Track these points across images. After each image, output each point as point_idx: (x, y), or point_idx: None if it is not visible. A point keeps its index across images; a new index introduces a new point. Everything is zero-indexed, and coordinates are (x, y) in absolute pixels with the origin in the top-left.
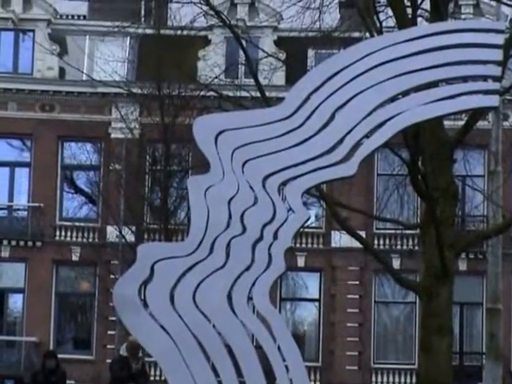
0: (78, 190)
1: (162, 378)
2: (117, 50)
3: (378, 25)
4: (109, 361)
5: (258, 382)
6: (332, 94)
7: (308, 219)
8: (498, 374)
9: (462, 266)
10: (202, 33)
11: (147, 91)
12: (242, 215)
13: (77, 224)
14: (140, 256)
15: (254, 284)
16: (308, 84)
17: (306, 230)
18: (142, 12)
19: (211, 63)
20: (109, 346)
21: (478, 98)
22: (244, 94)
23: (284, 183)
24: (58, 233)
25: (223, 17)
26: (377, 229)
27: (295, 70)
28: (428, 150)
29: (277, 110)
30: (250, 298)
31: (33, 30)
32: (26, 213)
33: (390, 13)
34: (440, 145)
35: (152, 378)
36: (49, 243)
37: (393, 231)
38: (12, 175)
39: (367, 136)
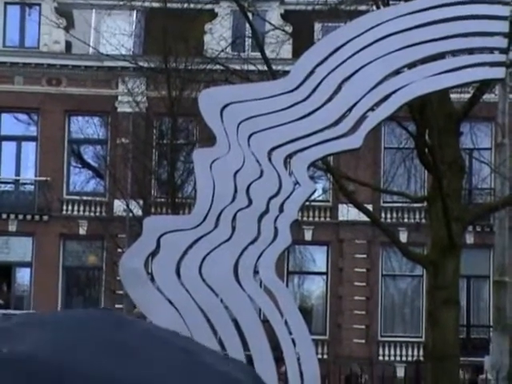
0: (85, 164)
1: None
2: (123, 23)
3: None
4: None
5: (265, 356)
6: (337, 66)
7: (314, 192)
8: (505, 346)
9: (469, 238)
10: (209, 6)
11: (154, 65)
12: (248, 188)
13: (84, 198)
14: (146, 229)
15: (260, 257)
16: (314, 57)
17: (313, 203)
18: None
19: (217, 36)
20: None
21: (485, 70)
22: (251, 67)
23: (290, 156)
24: (65, 207)
25: None
26: (384, 202)
27: (302, 43)
28: (434, 123)
29: (282, 82)
30: (256, 272)
31: (39, 4)
32: (33, 187)
33: None
34: (446, 118)
35: None
36: (56, 217)
37: (400, 204)
38: (19, 149)
39: (373, 108)
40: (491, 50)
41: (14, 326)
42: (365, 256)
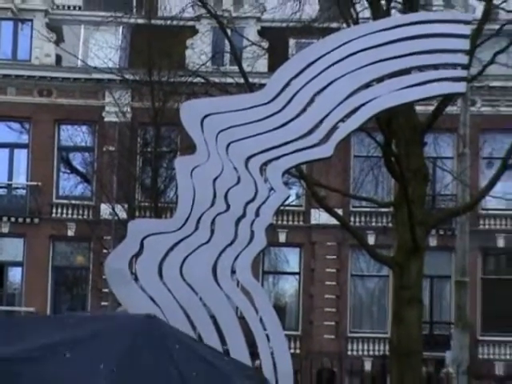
0: (73, 170)
1: None
2: (110, 38)
3: (355, 16)
4: None
5: (241, 351)
6: (310, 80)
7: (288, 198)
8: (465, 342)
9: (432, 241)
10: (190, 23)
11: (138, 77)
12: (226, 194)
13: (72, 202)
14: (130, 232)
15: (237, 258)
16: (288, 71)
17: (287, 207)
18: (134, 3)
19: (198, 51)
20: None
21: (448, 84)
22: (229, 80)
23: (265, 164)
24: (54, 210)
25: (210, 8)
26: (353, 207)
27: (277, 57)
28: (401, 133)
29: (259, 95)
30: (233, 272)
31: (31, 20)
32: (24, 191)
33: (366, 4)
34: (412, 129)
35: None
36: (46, 220)
37: (368, 209)
38: (11, 156)
39: (343, 120)
40: (454, 66)
41: None
42: (335, 257)
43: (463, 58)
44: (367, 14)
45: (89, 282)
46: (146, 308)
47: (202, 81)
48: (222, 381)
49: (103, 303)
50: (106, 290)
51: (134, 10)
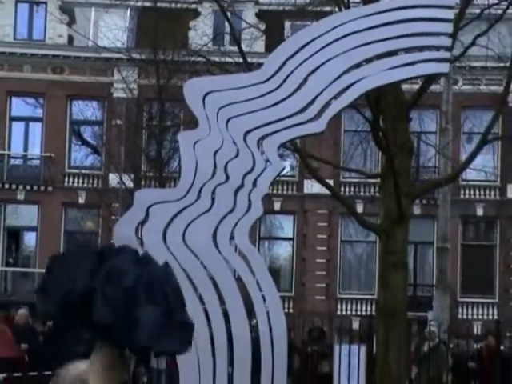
0: (84, 142)
1: None
2: (119, 20)
3: (346, 0)
4: None
5: (239, 310)
6: (305, 60)
7: (283, 169)
8: (446, 302)
9: (417, 210)
10: (193, 6)
11: (145, 56)
12: (226, 166)
13: (83, 172)
14: (137, 200)
15: (235, 225)
16: (284, 52)
17: (282, 178)
18: None
19: (200, 33)
20: None
21: (432, 65)
22: (229, 59)
23: (262, 138)
24: (66, 179)
25: None
26: (343, 178)
27: (273, 39)
28: (388, 110)
29: (256, 74)
30: (232, 238)
31: (45, 2)
32: (38, 161)
33: None
34: (398, 106)
35: None
36: (59, 188)
37: (357, 180)
38: (27, 129)
39: (335, 97)
40: (437, 48)
41: None
42: (326, 224)
43: (446, 41)
44: None
45: (98, 245)
46: None
47: (204, 60)
48: None
49: None
50: None
51: None
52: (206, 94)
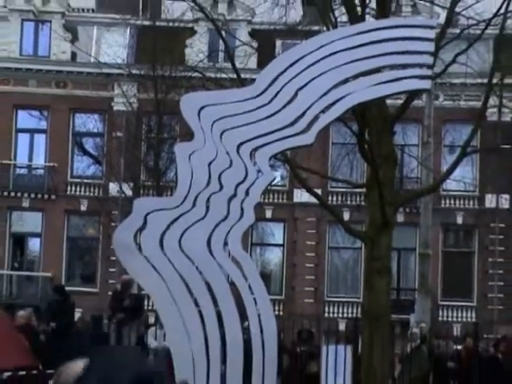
0: (86, 153)
1: (155, 307)
2: (119, 37)
3: (334, 20)
4: (110, 293)
5: (232, 313)
6: (295, 76)
7: (274, 179)
8: (427, 305)
9: (400, 218)
10: (190, 25)
11: (144, 72)
12: (220, 176)
13: (85, 181)
14: (135, 208)
15: (229, 232)
16: (275, 68)
17: (273, 187)
18: (141, 6)
19: (196, 50)
20: (110, 281)
21: (415, 81)
22: (223, 75)
23: (255, 149)
24: (69, 188)
25: (207, 12)
26: (331, 187)
27: (265, 56)
28: (373, 123)
29: (249, 89)
30: (225, 244)
31: (50, 21)
32: (43, 171)
33: (344, 10)
34: (383, 119)
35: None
36: (62, 196)
37: (344, 190)
38: (32, 140)
39: (323, 111)
40: (420, 66)
41: None
42: (314, 231)
43: (428, 59)
44: (345, 18)
45: (99, 251)
46: (149, 275)
47: (200, 76)
48: None
49: (111, 269)
50: (114, 259)
51: (141, 13)
52: (202, 107)
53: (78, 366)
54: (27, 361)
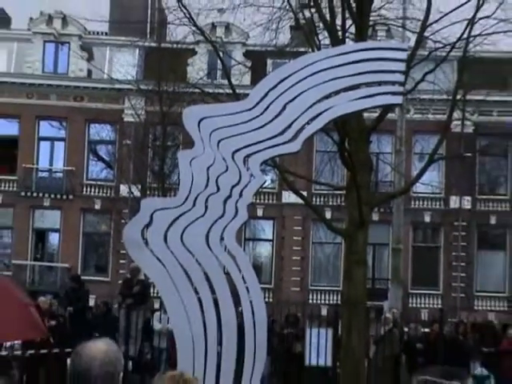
0: (99, 159)
1: (159, 294)
2: (129, 57)
3: (318, 43)
4: (120, 282)
5: (227, 299)
6: (284, 92)
7: (264, 182)
8: (399, 294)
9: (375, 217)
10: (191, 46)
11: (150, 88)
12: (217, 179)
13: (98, 183)
14: (143, 207)
15: (224, 229)
16: (266, 85)
17: (264, 189)
18: (148, 30)
19: (197, 68)
20: (120, 271)
21: (388, 97)
22: (221, 91)
23: (248, 156)
24: (84, 189)
25: (206, 35)
26: (315, 190)
27: (258, 74)
28: (352, 134)
29: (243, 103)
30: (222, 239)
31: (68, 42)
32: (61, 174)
33: (327, 34)
34: (360, 130)
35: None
36: (78, 196)
37: (326, 191)
38: (52, 147)
39: (308, 123)
40: (393, 83)
41: None
42: (300, 228)
43: (400, 77)
44: (327, 41)
45: (110, 244)
46: (154, 266)
47: (200, 91)
48: None
49: (121, 261)
50: (124, 252)
51: (148, 36)
52: (201, 119)
53: (93, 346)
54: (36, 333)
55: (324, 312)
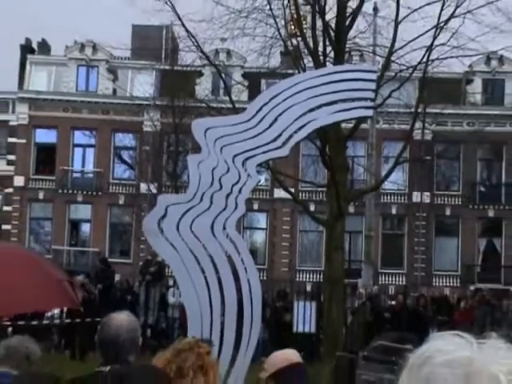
0: (123, 162)
1: (173, 274)
2: (148, 78)
3: (303, 66)
4: (141, 263)
5: (228, 278)
6: (275, 106)
7: (259, 181)
8: (370, 273)
9: (351, 209)
10: (198, 68)
11: (165, 103)
12: (220, 178)
13: (122, 182)
14: (159, 202)
15: (226, 220)
16: (261, 100)
17: (259, 187)
18: (163, 55)
19: (203, 87)
20: (141, 255)
21: (361, 110)
22: (223, 105)
23: (245, 159)
24: (111, 187)
25: (211, 60)
26: (301, 187)
27: (254, 91)
28: (331, 141)
29: (241, 116)
30: (224, 228)
31: (97, 66)
32: (92, 175)
33: (310, 59)
34: (338, 138)
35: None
36: (105, 193)
37: (310, 189)
38: (84, 152)
39: (295, 132)
40: (365, 99)
41: None
42: (289, 219)
43: (371, 94)
44: (311, 64)
45: (132, 233)
46: (168, 250)
47: (206, 106)
48: None
49: (141, 246)
50: (143, 239)
51: (163, 61)
52: (207, 129)
53: (118, 316)
54: (70, 304)
55: (309, 288)
